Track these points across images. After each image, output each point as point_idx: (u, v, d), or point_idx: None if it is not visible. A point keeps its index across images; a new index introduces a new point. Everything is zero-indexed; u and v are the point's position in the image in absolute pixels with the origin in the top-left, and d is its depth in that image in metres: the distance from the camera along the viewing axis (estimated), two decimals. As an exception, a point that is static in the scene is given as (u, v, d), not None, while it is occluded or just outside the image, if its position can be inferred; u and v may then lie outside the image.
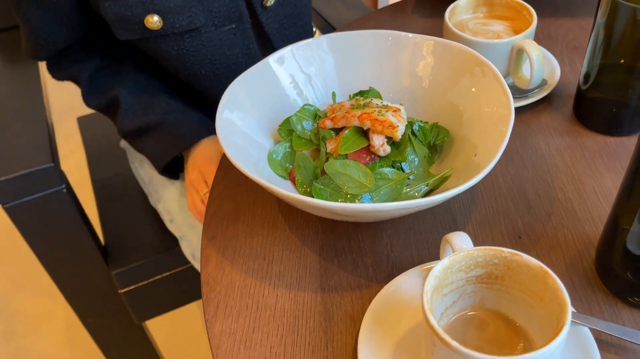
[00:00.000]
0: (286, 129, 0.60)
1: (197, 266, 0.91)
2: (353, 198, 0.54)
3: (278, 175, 0.58)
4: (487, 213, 0.57)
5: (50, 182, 0.85)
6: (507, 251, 0.42)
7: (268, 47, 0.86)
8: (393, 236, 0.56)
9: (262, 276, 0.53)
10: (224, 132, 0.53)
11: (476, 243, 0.54)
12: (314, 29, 0.99)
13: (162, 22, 0.72)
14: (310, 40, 0.65)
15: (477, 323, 0.45)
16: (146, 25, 0.72)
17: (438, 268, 0.41)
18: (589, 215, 0.55)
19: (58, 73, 0.85)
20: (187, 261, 0.99)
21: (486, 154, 0.52)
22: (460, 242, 0.44)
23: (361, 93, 0.62)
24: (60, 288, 0.98)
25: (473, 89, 0.59)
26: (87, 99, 0.86)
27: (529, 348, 0.42)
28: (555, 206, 0.57)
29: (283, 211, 0.60)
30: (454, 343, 0.36)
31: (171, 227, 0.92)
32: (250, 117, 0.59)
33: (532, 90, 0.69)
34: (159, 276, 1.01)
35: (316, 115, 0.61)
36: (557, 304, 0.38)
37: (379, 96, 0.62)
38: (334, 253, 0.55)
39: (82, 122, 1.31)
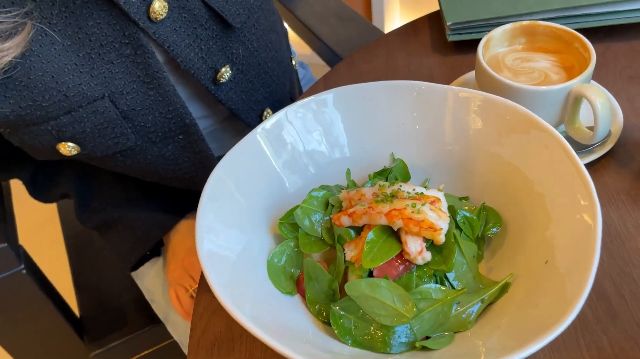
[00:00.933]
0: (289, 223, 0.46)
1: (186, 351, 0.77)
2: (386, 329, 0.40)
3: (282, 291, 0.44)
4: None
5: (6, 264, 0.71)
6: None
7: (235, 119, 0.70)
8: (439, 369, 0.42)
9: None
10: (208, 262, 0.40)
11: (551, 376, 0.41)
12: (294, 62, 0.83)
13: (78, 149, 0.57)
14: (311, 98, 0.51)
15: None
16: (60, 152, 0.57)
17: None
18: (697, 329, 0.42)
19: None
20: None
21: (568, 271, 0.38)
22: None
23: (384, 172, 0.48)
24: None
25: (530, 163, 0.45)
26: (38, 198, 0.72)
27: None
28: (646, 313, 0.43)
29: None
30: None
31: (153, 306, 0.79)
32: (238, 223, 0.45)
33: (594, 144, 0.55)
34: (144, 353, 0.88)
35: (327, 204, 0.47)
36: None
37: (406, 172, 0.49)
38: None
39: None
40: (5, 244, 0.69)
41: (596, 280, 0.46)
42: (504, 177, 0.47)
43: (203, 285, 0.51)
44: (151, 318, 0.84)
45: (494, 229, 0.46)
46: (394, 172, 0.48)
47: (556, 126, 0.56)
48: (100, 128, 0.55)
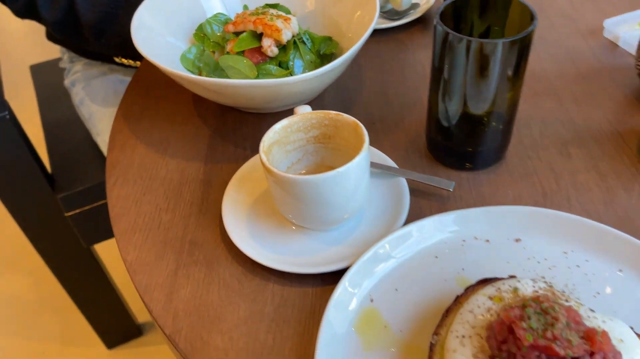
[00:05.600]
0: (200, 34, 0.70)
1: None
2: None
3: (183, 65, 0.68)
4: (352, 104, 0.68)
5: (-6, 108, 0.94)
6: (333, 112, 0.52)
7: None
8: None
9: (157, 157, 0.64)
10: (140, 35, 0.63)
11: (338, 129, 0.65)
12: None
13: None
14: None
15: (317, 176, 0.56)
16: None
17: (278, 125, 0.52)
18: (433, 106, 0.67)
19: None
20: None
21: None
22: (302, 110, 0.55)
23: (268, 5, 0.72)
24: (10, 211, 1.07)
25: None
26: (45, 8, 0.83)
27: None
28: (407, 101, 0.68)
29: (183, 109, 0.70)
30: (275, 169, 0.47)
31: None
32: (168, 25, 0.70)
33: (407, 11, 0.80)
34: (104, 201, 1.11)
35: (227, 23, 0.71)
36: (360, 143, 0.49)
37: (287, 12, 0.72)
38: (221, 139, 0.65)
39: (35, 69, 1.39)
40: (-6, 90, 0.92)
41: (383, 85, 0.71)
42: (335, 22, 0.72)
43: (138, 74, 0.75)
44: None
45: (333, 50, 0.70)
46: (278, 9, 0.72)
47: (386, 2, 0.80)
48: None
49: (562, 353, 0.34)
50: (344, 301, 0.45)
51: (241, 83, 0.56)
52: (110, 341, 1.45)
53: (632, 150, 0.59)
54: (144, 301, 0.49)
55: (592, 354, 0.35)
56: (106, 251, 1.39)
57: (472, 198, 0.55)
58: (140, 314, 1.50)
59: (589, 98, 0.65)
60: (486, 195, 0.56)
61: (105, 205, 1.12)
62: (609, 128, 0.61)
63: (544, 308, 0.37)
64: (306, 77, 0.57)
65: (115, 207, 0.58)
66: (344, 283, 0.46)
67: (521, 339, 0.35)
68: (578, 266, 0.48)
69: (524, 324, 0.36)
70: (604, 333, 0.36)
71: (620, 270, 0.47)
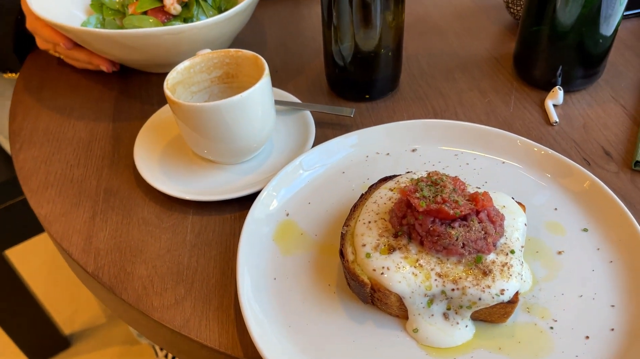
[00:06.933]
0: (97, 3, 0.70)
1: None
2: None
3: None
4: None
5: None
6: (232, 50, 0.55)
7: None
8: (177, 83, 0.68)
9: (63, 121, 0.63)
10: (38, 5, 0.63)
11: (243, 79, 0.68)
12: None
13: None
14: None
15: (225, 116, 0.58)
16: None
17: (180, 66, 0.54)
18: (331, 52, 0.71)
19: None
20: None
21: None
22: (202, 52, 0.57)
23: None
24: None
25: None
26: None
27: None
28: (306, 50, 0.72)
29: (84, 77, 0.70)
30: (180, 101, 0.49)
31: (2, 142, 0.98)
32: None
33: (299, -26, 0.84)
34: (10, 203, 1.06)
35: None
36: (261, 74, 0.52)
37: None
38: (127, 99, 0.66)
39: None
40: None
41: (282, 38, 0.74)
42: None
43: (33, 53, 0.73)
44: (11, 173, 1.03)
45: (233, 5, 0.72)
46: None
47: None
48: None
49: (451, 212, 0.39)
50: (264, 208, 0.48)
51: (153, 31, 0.58)
52: (37, 356, 1.38)
53: (508, 70, 0.66)
54: (62, 248, 0.49)
55: (477, 212, 0.41)
56: (20, 261, 1.32)
57: (372, 123, 0.60)
58: (66, 325, 1.44)
59: (468, 33, 0.72)
60: (384, 119, 0.60)
61: (16, 204, 1.07)
62: (487, 54, 0.68)
63: (433, 180, 0.42)
64: (214, 21, 0.60)
65: (23, 169, 0.57)
66: (268, 189, 0.49)
67: (416, 207, 0.40)
68: (468, 163, 0.53)
69: (417, 195, 0.40)
70: (485, 193, 0.41)
71: (503, 162, 0.53)
